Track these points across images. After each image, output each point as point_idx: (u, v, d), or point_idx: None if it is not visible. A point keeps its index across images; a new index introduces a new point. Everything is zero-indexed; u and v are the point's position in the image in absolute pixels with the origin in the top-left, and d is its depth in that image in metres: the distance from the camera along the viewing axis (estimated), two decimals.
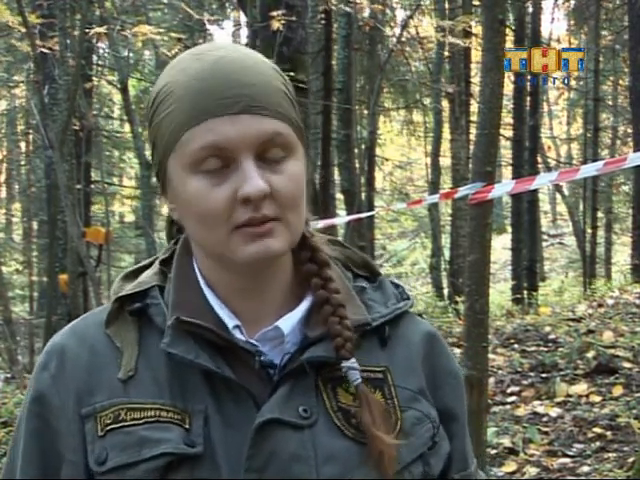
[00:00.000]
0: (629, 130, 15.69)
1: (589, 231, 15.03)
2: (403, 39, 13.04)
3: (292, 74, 6.35)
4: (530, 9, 13.95)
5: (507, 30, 11.82)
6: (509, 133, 15.29)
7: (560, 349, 7.04)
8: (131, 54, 13.22)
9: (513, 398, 6.19)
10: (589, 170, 4.98)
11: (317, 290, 1.10)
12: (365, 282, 1.18)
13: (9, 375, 10.04)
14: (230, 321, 1.08)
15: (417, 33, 13.78)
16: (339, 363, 1.06)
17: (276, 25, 6.35)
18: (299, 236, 1.08)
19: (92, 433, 1.05)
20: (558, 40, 18.19)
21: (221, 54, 1.05)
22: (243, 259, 1.03)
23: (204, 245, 1.07)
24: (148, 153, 13.04)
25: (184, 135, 1.02)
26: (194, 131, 1.02)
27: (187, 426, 1.03)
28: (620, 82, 17.16)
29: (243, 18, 13.10)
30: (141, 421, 1.04)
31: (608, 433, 5.26)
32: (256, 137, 1.01)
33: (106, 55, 15.03)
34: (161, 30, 9.74)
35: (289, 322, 1.09)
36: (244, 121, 1.01)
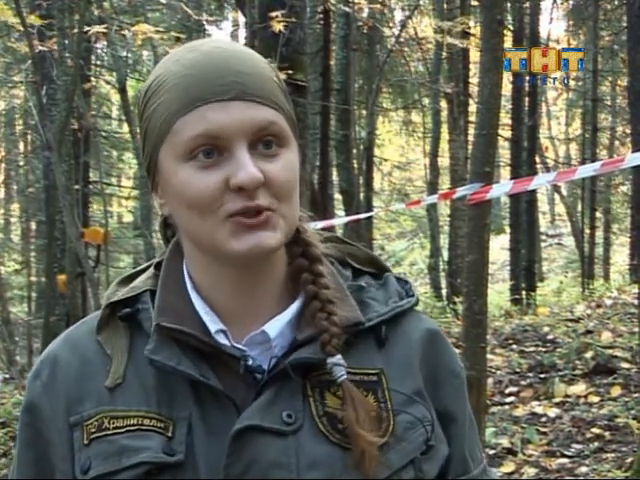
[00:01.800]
0: (627, 130, 15.68)
1: (587, 231, 15.04)
2: (402, 39, 13.04)
3: (290, 74, 6.35)
4: (529, 10, 13.94)
5: (506, 31, 11.83)
6: (508, 133, 15.28)
7: (558, 349, 7.06)
8: (129, 54, 13.21)
9: (512, 398, 6.19)
10: (587, 170, 4.98)
11: (306, 285, 1.08)
12: (369, 279, 1.15)
13: (7, 376, 10.04)
14: (214, 326, 1.05)
15: (416, 33, 13.78)
16: (326, 365, 1.04)
17: (277, 27, 6.34)
18: (294, 229, 1.06)
19: (79, 442, 1.05)
20: (557, 41, 18.18)
21: (215, 45, 1.04)
22: (236, 253, 1.01)
23: (196, 237, 1.05)
24: None
25: (176, 124, 1.00)
26: (186, 119, 1.00)
27: (170, 434, 1.02)
28: (619, 82, 17.16)
29: (242, 19, 13.11)
30: (123, 429, 1.03)
31: (606, 433, 5.26)
32: (250, 124, 0.99)
33: (104, 55, 15.03)
34: (161, 29, 9.72)
35: (277, 325, 1.06)
36: (238, 108, 0.99)
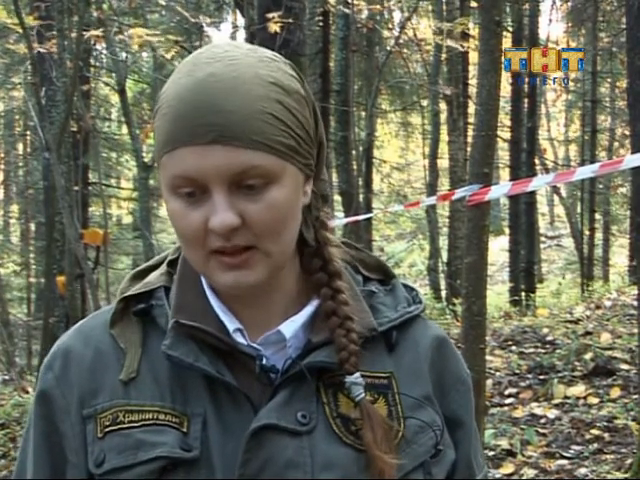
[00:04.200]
0: (627, 132, 15.69)
1: (587, 233, 15.04)
2: (401, 41, 13.03)
3: None
4: (528, 11, 13.95)
5: (505, 32, 11.82)
6: (507, 135, 15.28)
7: (558, 351, 7.06)
8: (129, 56, 13.19)
9: (511, 400, 6.19)
10: (585, 172, 4.99)
11: (326, 301, 1.09)
12: (377, 285, 1.17)
13: (7, 377, 10.04)
14: (231, 324, 1.07)
15: (415, 35, 13.77)
16: (341, 370, 1.06)
17: (274, 28, 6.33)
18: (283, 262, 1.06)
19: (92, 435, 1.06)
20: (556, 42, 18.19)
21: (212, 70, 0.99)
22: (219, 286, 1.04)
23: (189, 260, 1.07)
24: (146, 155, 13.04)
25: (162, 158, 1.01)
26: (169, 157, 1.00)
27: (185, 429, 1.03)
28: (618, 84, 17.16)
29: (241, 20, 13.10)
30: (138, 423, 1.04)
31: (606, 435, 5.26)
32: (226, 170, 0.97)
33: (104, 57, 15.02)
34: (158, 32, 9.71)
35: (292, 326, 1.08)
36: (215, 152, 0.97)
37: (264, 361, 1.05)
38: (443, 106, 14.83)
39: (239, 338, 1.07)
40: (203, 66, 1.00)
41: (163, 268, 1.15)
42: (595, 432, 5.31)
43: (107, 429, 1.05)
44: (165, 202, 1.04)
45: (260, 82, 1.00)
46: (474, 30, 12.56)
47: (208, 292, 1.09)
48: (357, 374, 1.05)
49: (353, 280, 1.15)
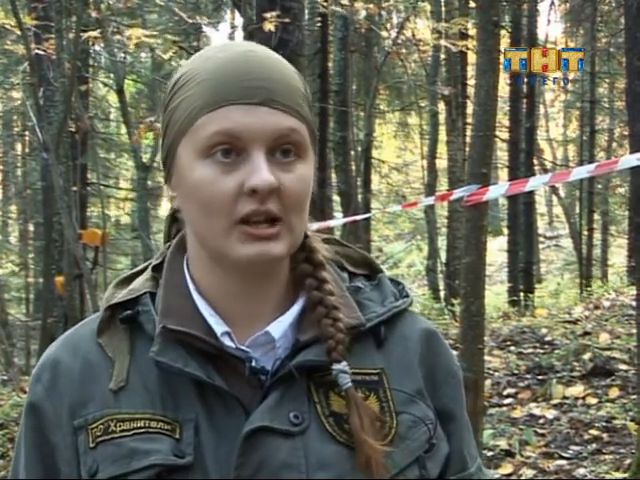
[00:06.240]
0: (625, 132, 15.68)
1: (585, 233, 15.03)
2: (399, 41, 13.03)
3: None
4: (526, 11, 13.94)
5: (504, 32, 11.84)
6: (506, 135, 15.28)
7: (556, 351, 7.06)
8: (127, 56, 13.19)
9: (509, 400, 6.20)
10: (581, 172, 4.99)
11: (311, 291, 1.09)
12: (363, 281, 1.17)
13: (5, 377, 10.04)
14: (219, 328, 1.06)
15: (413, 35, 13.77)
16: (331, 367, 1.05)
17: (268, 27, 6.31)
18: (300, 240, 1.07)
19: (84, 445, 1.05)
20: (555, 42, 18.19)
21: (249, 48, 1.06)
22: (240, 258, 1.02)
23: (202, 238, 1.05)
24: (144, 155, 13.03)
25: (200, 119, 1.01)
26: (211, 116, 1.01)
27: (177, 436, 1.03)
28: (616, 84, 17.17)
29: (239, 20, 13.10)
30: (130, 432, 1.03)
31: (604, 435, 5.27)
32: (271, 130, 1.01)
33: (102, 57, 15.01)
34: (155, 33, 9.71)
35: (280, 326, 1.07)
36: (262, 113, 1.01)
37: (253, 363, 1.05)
38: (442, 106, 14.82)
39: (227, 341, 1.06)
40: (236, 45, 1.08)
41: (148, 273, 1.15)
42: (594, 432, 5.31)
43: (99, 439, 1.04)
44: (190, 171, 1.03)
45: (289, 68, 1.07)
46: (472, 30, 12.55)
47: (195, 295, 1.09)
48: (344, 362, 1.05)
49: (339, 277, 1.15)
